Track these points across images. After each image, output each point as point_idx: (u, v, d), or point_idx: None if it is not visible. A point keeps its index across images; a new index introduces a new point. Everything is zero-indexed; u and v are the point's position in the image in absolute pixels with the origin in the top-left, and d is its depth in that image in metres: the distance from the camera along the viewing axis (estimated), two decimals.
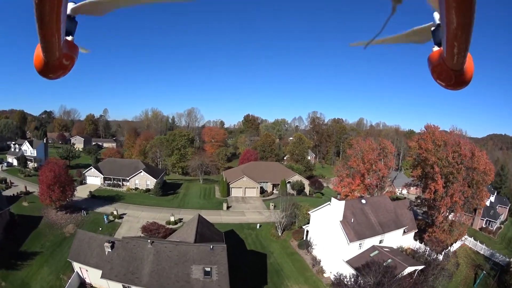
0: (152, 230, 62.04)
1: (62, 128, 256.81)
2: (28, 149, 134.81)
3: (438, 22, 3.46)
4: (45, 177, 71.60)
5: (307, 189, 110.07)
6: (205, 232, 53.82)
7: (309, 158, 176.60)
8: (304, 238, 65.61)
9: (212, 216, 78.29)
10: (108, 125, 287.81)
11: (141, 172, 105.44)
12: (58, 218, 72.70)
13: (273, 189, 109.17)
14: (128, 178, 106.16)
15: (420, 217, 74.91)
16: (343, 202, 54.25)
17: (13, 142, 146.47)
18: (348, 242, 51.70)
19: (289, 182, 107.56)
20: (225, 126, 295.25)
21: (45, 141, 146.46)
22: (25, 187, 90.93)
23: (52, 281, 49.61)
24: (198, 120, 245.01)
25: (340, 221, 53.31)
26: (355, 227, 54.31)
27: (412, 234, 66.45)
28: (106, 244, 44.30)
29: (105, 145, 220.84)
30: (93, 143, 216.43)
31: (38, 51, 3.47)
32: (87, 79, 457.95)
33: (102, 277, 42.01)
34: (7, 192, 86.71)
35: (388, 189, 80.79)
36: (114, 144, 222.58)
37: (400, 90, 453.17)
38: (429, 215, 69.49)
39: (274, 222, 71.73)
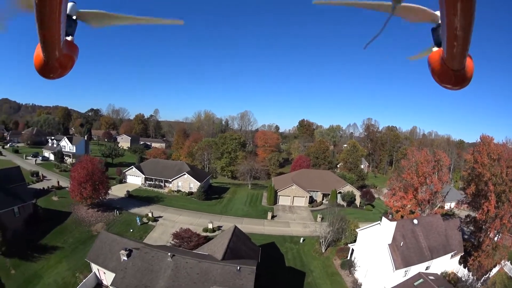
0: (184, 237, 58.82)
1: (109, 126, 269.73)
2: (67, 145, 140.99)
3: (438, 22, 3.67)
4: (77, 173, 72.62)
5: (357, 201, 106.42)
6: (239, 247, 50.12)
7: (362, 166, 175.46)
8: (348, 257, 62.37)
9: (255, 226, 76.17)
10: (159, 125, 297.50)
11: (185, 174, 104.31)
12: (88, 215, 72.85)
13: (322, 199, 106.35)
14: (170, 180, 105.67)
15: (466, 236, 69.54)
16: (394, 223, 50.91)
17: (52, 137, 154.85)
18: (394, 269, 48.82)
19: (339, 193, 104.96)
20: (280, 130, 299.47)
21: (86, 138, 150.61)
22: (58, 182, 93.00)
23: (67, 277, 50.02)
24: (251, 123, 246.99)
25: (389, 245, 50.48)
26: (404, 252, 51.25)
27: (458, 257, 62.10)
28: (122, 251, 43.21)
29: (153, 145, 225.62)
30: (141, 143, 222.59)
31: (38, 51, 3.62)
32: (141, 79, 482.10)
33: (111, 284, 39.38)
34: (38, 185, 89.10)
35: (439, 204, 75.73)
36: (163, 145, 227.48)
37: (454, 97, 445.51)
38: (476, 237, 65.36)
39: (319, 236, 67.72)
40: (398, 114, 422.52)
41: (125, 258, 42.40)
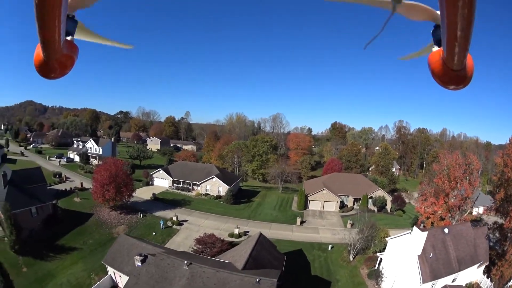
0: (207, 243, 57.62)
1: (139, 128, 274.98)
2: (93, 147, 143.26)
3: (437, 22, 3.74)
4: (100, 175, 73.17)
5: (388, 206, 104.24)
6: (263, 256, 48.35)
7: (393, 170, 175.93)
8: (376, 267, 60.48)
9: (283, 232, 75.17)
10: (190, 128, 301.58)
11: (213, 177, 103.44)
12: (111, 217, 72.91)
13: (353, 204, 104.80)
14: (198, 183, 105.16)
15: (491, 244, 66.49)
16: (426, 233, 50.18)
17: (78, 139, 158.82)
18: (421, 282, 47.96)
19: (371, 197, 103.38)
20: (313, 133, 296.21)
21: (113, 140, 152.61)
22: (81, 183, 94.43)
23: (82, 278, 50.24)
24: (283, 126, 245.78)
25: (418, 256, 49.62)
26: (433, 264, 50.24)
27: (483, 267, 60.44)
28: (137, 257, 42.66)
29: (184, 147, 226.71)
30: (172, 145, 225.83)
31: (38, 51, 3.64)
32: (173, 82, 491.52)
33: None
34: (60, 186, 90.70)
35: (468, 210, 74.00)
36: (194, 147, 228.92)
37: (483, 97, 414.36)
38: (501, 245, 62.94)
39: (348, 244, 66.03)
40: (429, 115, 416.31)
41: (139, 264, 41.65)
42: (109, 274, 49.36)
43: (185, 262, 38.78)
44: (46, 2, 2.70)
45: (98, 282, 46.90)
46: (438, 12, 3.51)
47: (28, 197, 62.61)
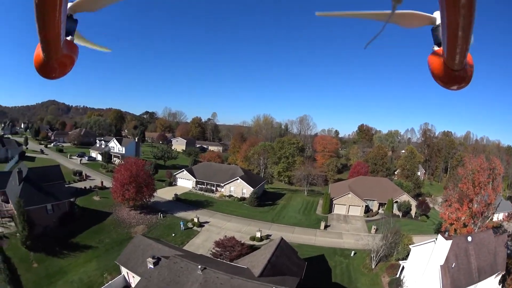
0: (226, 246, 56.12)
1: (164, 129, 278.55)
2: (115, 146, 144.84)
3: (437, 22, 3.69)
4: (120, 175, 73.39)
5: (413, 211, 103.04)
6: (282, 262, 46.81)
7: (418, 173, 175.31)
8: (398, 275, 58.89)
9: (306, 236, 73.73)
10: (217, 129, 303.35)
11: (238, 179, 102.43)
12: (130, 217, 72.66)
13: (378, 209, 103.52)
14: (222, 184, 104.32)
15: (508, 252, 64.24)
16: (450, 242, 48.50)
17: (100, 138, 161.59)
18: None
19: (396, 202, 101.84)
20: (340, 135, 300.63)
21: (136, 140, 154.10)
22: (101, 182, 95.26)
23: (94, 277, 50.19)
24: (310, 128, 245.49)
25: (441, 266, 48.01)
26: (454, 274, 48.77)
27: (499, 276, 58.02)
28: (149, 259, 42.63)
29: (210, 148, 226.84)
30: (198, 146, 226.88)
31: (38, 51, 3.63)
32: (199, 83, 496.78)
33: None
34: (79, 185, 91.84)
35: (490, 217, 72.41)
36: (220, 148, 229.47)
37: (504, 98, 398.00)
38: None
39: (371, 250, 64.33)
40: (453, 118, 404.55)
41: (152, 266, 41.43)
42: (122, 274, 49.04)
43: (199, 266, 37.43)
44: (46, 2, 2.68)
45: (110, 282, 46.77)
46: (433, 15, 3.68)
47: (44, 195, 63.24)
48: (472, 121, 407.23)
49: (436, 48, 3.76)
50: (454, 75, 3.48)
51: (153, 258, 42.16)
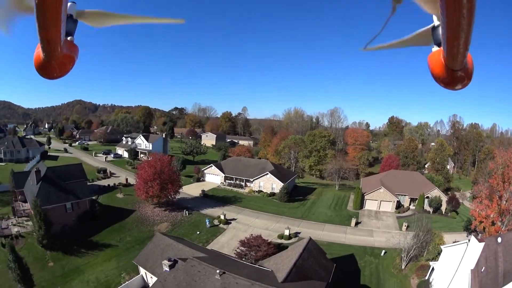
0: (252, 246, 53.81)
1: (194, 124, 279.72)
2: (142, 143, 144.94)
3: (437, 22, 3.69)
4: (144, 172, 72.79)
5: (443, 206, 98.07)
6: (308, 265, 44.40)
7: (448, 167, 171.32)
8: (427, 277, 56.00)
9: (336, 234, 71.39)
10: (248, 123, 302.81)
11: (267, 174, 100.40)
12: (154, 214, 71.90)
13: (410, 204, 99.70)
14: (252, 179, 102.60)
15: None
16: (482, 244, 46.41)
17: (126, 135, 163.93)
18: None
19: (427, 197, 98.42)
20: (370, 128, 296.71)
21: (164, 136, 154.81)
22: (126, 179, 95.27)
23: (112, 276, 49.98)
24: (341, 120, 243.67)
25: (471, 270, 45.48)
26: (482, 279, 45.70)
27: None
28: (165, 261, 40.76)
29: (241, 142, 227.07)
30: (228, 140, 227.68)
31: (38, 51, 3.66)
32: (230, 78, 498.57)
33: None
34: (103, 182, 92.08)
35: None
36: (251, 142, 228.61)
37: None
38: None
39: (402, 249, 61.53)
40: (480, 109, 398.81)
41: (167, 269, 39.81)
42: (140, 274, 48.18)
43: (218, 271, 35.54)
44: (46, 2, 2.69)
45: (127, 282, 46.05)
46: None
47: (64, 193, 63.49)
48: (498, 113, 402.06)
49: (435, 48, 3.74)
50: (454, 75, 3.47)
51: (169, 260, 40.73)
